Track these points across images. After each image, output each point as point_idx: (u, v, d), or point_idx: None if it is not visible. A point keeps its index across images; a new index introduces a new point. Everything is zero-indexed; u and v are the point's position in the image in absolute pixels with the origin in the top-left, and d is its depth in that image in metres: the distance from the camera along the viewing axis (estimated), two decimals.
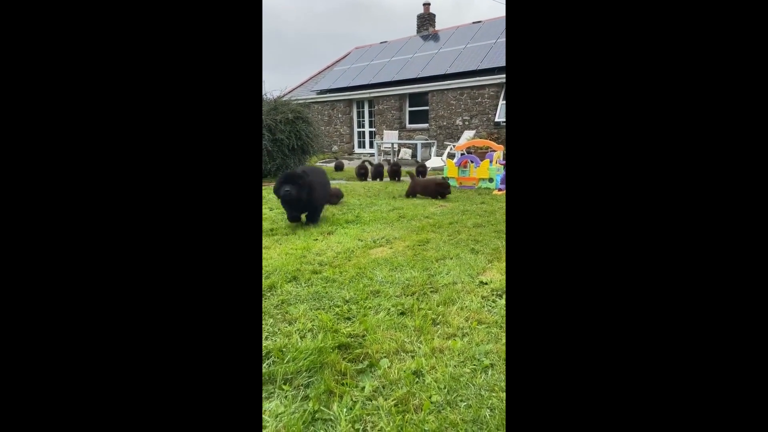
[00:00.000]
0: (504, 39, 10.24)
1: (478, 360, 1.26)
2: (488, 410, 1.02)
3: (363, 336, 1.42)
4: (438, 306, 1.68)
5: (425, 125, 11.34)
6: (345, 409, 1.03)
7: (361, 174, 6.65)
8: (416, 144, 9.57)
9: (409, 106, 11.83)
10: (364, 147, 13.25)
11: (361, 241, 2.76)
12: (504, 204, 4.17)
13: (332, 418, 1.01)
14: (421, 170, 6.70)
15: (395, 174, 6.36)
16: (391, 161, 8.30)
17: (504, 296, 1.79)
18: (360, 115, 13.19)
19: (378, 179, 6.43)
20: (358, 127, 13.32)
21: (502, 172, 5.15)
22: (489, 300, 1.76)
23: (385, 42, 14.61)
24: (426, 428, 0.96)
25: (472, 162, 5.51)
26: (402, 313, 1.62)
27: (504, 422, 0.97)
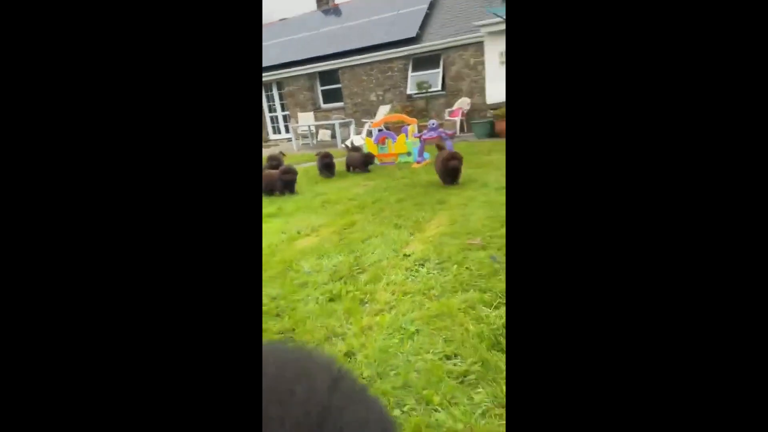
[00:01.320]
0: (408, 9, 10.34)
1: (405, 328, 1.36)
2: (415, 373, 1.13)
3: (293, 330, 1.43)
4: (366, 285, 1.76)
5: (341, 104, 11.17)
6: None
7: (273, 167, 4.74)
8: (334, 124, 9.43)
9: (321, 85, 11.51)
10: (279, 132, 12.67)
11: (285, 233, 2.71)
12: (425, 176, 4.36)
13: None
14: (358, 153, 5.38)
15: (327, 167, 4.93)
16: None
17: (425, 264, 1.93)
18: (270, 98, 12.51)
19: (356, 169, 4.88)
20: (270, 111, 12.65)
21: (419, 144, 5.35)
22: (412, 270, 1.88)
23: (285, 19, 13.84)
24: None
25: (389, 138, 5.62)
26: (331, 300, 1.66)
27: (430, 380, 1.08)
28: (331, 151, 5.40)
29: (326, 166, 4.97)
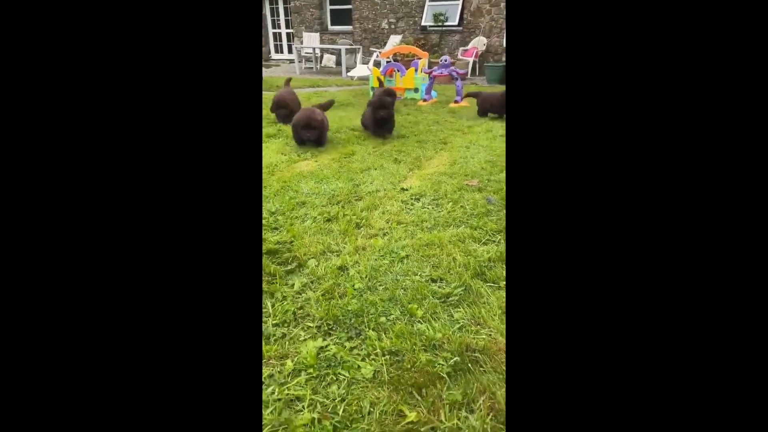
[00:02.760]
0: None
1: (396, 253, 1.44)
2: (402, 290, 1.22)
3: (291, 242, 1.50)
4: (362, 211, 1.81)
5: (349, 27, 10.39)
6: (277, 303, 1.15)
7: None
8: (340, 49, 8.86)
9: (330, 4, 10.60)
10: (281, 51, 11.91)
11: (285, 155, 2.70)
12: (430, 115, 4.25)
13: (265, 312, 1.12)
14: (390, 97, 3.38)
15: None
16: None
17: (420, 199, 1.97)
18: (274, 12, 11.55)
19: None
20: (273, 27, 11.76)
21: (428, 81, 5.12)
22: (408, 204, 1.93)
23: None
24: (349, 308, 1.12)
25: (397, 71, 5.35)
26: (328, 220, 1.72)
27: (415, 297, 1.18)
28: (333, 81, 4.92)
29: (382, 123, 3.09)
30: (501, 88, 4.46)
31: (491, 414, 0.81)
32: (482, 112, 4.11)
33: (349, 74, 7.97)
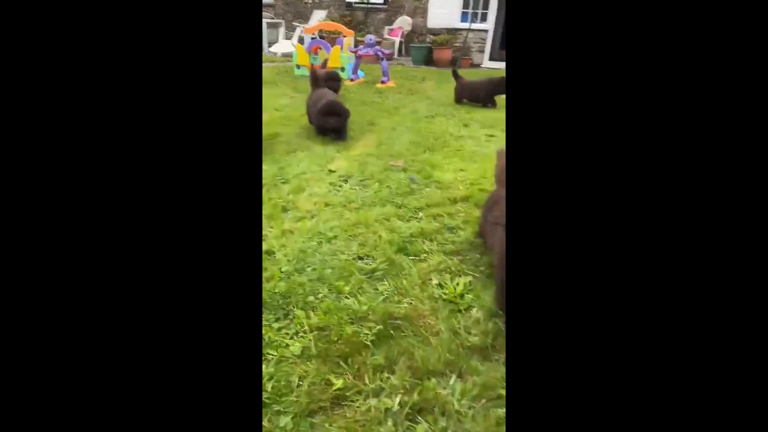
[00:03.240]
0: None
1: (324, 234, 1.47)
2: (330, 269, 1.26)
3: None
4: (288, 195, 1.79)
5: (270, 0, 9.74)
6: None
7: None
8: (261, 23, 8.29)
9: None
10: None
11: None
12: (356, 95, 4.24)
13: None
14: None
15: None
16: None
17: (348, 181, 2.01)
18: None
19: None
20: None
21: (353, 60, 5.06)
22: (336, 185, 1.95)
23: None
24: (276, 291, 1.14)
25: (323, 48, 5.20)
26: None
27: (342, 275, 1.23)
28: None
29: (332, 116, 2.55)
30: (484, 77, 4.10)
31: (410, 372, 0.90)
32: (458, 99, 3.94)
33: (271, 50, 7.54)
